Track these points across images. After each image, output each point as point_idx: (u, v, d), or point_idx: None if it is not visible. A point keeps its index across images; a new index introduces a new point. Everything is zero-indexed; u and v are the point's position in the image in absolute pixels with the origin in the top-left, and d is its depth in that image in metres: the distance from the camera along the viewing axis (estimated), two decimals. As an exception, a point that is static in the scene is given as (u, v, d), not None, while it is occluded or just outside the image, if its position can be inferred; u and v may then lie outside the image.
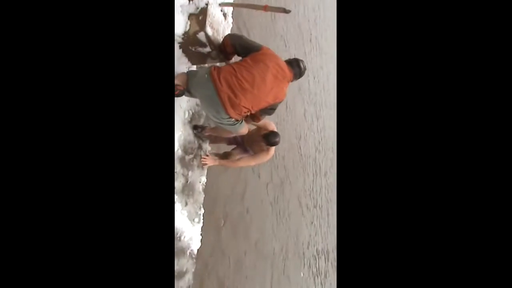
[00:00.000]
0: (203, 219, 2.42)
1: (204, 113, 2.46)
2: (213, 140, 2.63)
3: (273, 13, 3.80)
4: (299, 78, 2.15)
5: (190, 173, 2.33)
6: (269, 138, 2.28)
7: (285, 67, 1.98)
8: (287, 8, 1.92)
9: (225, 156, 2.62)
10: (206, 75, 1.86)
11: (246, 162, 2.51)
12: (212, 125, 2.31)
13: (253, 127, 2.40)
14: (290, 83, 2.11)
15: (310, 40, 6.21)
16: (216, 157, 2.51)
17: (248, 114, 1.98)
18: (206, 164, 2.41)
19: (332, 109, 7.64)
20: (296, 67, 2.06)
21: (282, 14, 2.29)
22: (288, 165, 4.80)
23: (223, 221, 3.08)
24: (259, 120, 2.13)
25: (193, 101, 2.41)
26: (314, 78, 6.46)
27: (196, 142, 2.44)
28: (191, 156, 2.38)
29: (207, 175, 2.50)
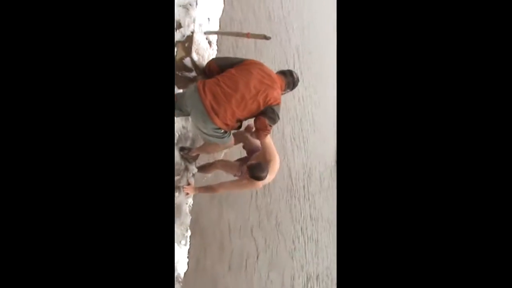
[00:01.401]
0: (189, 241, 2.40)
1: (190, 135, 2.51)
2: (207, 169, 2.58)
3: (256, 40, 3.98)
4: (293, 88, 2.20)
5: (176, 194, 2.35)
6: (253, 170, 2.04)
7: (272, 73, 2.04)
8: (267, 35, 2.06)
9: (205, 168, 2.59)
10: (194, 87, 1.95)
11: (227, 189, 2.37)
12: (201, 142, 2.27)
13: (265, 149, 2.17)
14: (285, 92, 2.17)
15: (294, 65, 6.44)
16: (197, 187, 2.45)
17: (238, 123, 1.99)
18: (188, 194, 2.39)
19: (320, 130, 7.82)
20: (289, 76, 2.12)
21: (264, 41, 2.43)
22: (275, 188, 4.83)
23: (210, 244, 3.04)
24: (260, 134, 2.00)
25: (179, 123, 2.47)
26: (299, 100, 6.65)
27: (182, 163, 2.47)
28: (177, 177, 2.40)
29: (194, 197, 2.51)
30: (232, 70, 1.99)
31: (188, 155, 2.42)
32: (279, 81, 2.07)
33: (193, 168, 2.56)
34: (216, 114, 1.87)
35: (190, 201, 2.47)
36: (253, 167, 2.05)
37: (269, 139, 2.17)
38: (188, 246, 2.37)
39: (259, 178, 2.07)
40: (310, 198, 6.36)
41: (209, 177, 2.73)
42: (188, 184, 2.44)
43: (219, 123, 1.89)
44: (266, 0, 5.47)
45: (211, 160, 2.70)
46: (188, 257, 2.35)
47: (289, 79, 2.13)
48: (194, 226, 2.55)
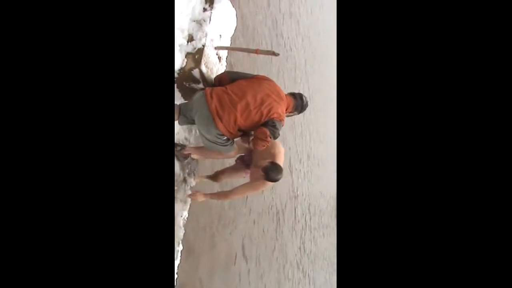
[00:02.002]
0: (180, 256, 2.29)
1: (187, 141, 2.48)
2: (217, 178, 2.54)
3: (265, 57, 4.06)
4: (301, 111, 2.20)
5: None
6: (269, 173, 2.02)
7: (281, 91, 2.06)
8: (276, 52, 2.10)
9: (216, 176, 2.55)
10: (201, 93, 1.98)
11: (240, 194, 2.33)
12: (204, 145, 2.20)
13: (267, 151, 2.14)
14: (292, 114, 2.17)
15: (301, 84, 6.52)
16: (207, 193, 2.40)
17: (241, 132, 1.98)
18: (195, 199, 2.32)
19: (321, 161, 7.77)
20: (298, 99, 2.13)
21: (273, 58, 2.47)
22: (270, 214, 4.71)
23: (203, 259, 2.91)
24: (258, 143, 1.97)
25: (181, 134, 2.46)
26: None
27: (181, 174, 2.43)
28: (175, 188, 2.35)
29: (189, 210, 2.44)
30: (242, 81, 2.03)
31: (180, 153, 2.36)
32: (287, 101, 2.09)
33: (191, 181, 2.51)
34: (220, 118, 1.88)
35: (185, 214, 2.40)
36: (269, 170, 2.03)
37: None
38: (178, 261, 2.27)
39: (276, 180, 2.07)
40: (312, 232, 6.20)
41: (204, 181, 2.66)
42: (193, 192, 2.35)
43: (222, 128, 1.89)
44: (277, 25, 5.67)
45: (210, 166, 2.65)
46: (177, 273, 2.24)
47: (298, 102, 2.14)
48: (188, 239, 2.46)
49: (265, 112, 1.92)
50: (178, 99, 2.40)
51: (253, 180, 2.20)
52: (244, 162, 2.42)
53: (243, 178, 2.46)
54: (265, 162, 2.05)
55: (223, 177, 2.58)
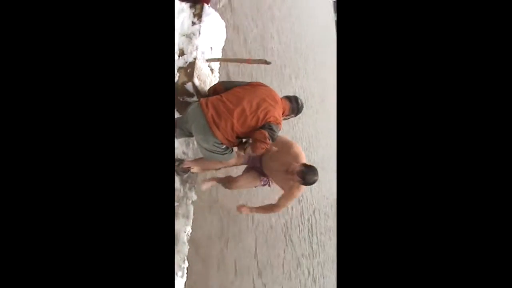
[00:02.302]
0: (187, 273, 2.25)
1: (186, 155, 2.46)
2: (230, 185, 2.49)
3: (258, 66, 4.07)
4: (297, 113, 2.20)
5: (174, 221, 2.25)
6: (306, 177, 1.93)
7: (276, 95, 2.06)
8: (268, 60, 2.10)
9: (227, 181, 2.49)
10: (196, 104, 1.99)
11: (283, 206, 2.30)
12: (203, 155, 2.20)
13: (277, 151, 2.06)
14: (289, 117, 2.18)
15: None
16: (253, 207, 2.42)
17: (238, 140, 1.97)
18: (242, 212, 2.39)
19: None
20: (293, 102, 2.13)
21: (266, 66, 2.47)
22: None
23: (212, 273, 2.86)
24: (257, 146, 1.91)
25: (179, 149, 2.44)
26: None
27: (182, 190, 2.40)
28: (176, 204, 2.32)
29: (192, 225, 2.41)
30: (236, 88, 2.04)
31: (179, 168, 2.34)
32: (283, 104, 2.09)
33: (192, 195, 2.49)
34: (217, 126, 1.88)
35: (189, 229, 2.37)
36: (306, 174, 1.96)
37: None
38: (185, 279, 2.23)
39: (314, 183, 2.00)
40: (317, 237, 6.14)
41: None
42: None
43: (219, 136, 1.88)
44: (265, 37, 5.70)
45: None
46: (185, 291, 2.19)
47: (294, 105, 2.14)
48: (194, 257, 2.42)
49: (261, 116, 1.92)
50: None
51: (289, 188, 2.15)
52: (257, 170, 2.38)
53: (258, 186, 2.44)
54: (298, 166, 1.99)
55: (237, 186, 2.52)
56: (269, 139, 1.88)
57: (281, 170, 2.11)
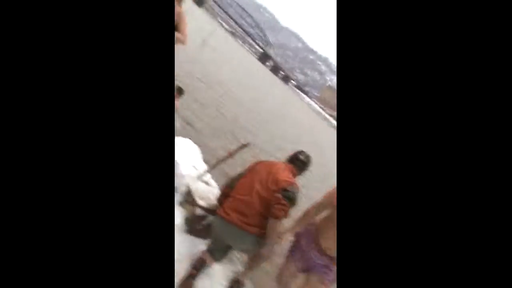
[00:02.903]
0: None
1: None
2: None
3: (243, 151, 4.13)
4: (306, 168, 2.17)
5: None
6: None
7: (277, 163, 2.08)
8: (244, 142, 2.16)
9: None
10: (216, 218, 1.97)
11: None
12: (253, 256, 2.08)
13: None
14: (301, 174, 2.15)
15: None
16: None
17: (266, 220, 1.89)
18: None
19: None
20: (297, 162, 2.12)
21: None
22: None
23: None
24: (275, 209, 1.82)
25: (228, 269, 2.33)
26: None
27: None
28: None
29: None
30: (241, 180, 2.07)
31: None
32: (289, 169, 2.08)
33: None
34: (248, 224, 1.86)
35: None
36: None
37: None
38: None
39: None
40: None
41: None
42: None
43: (255, 230, 1.86)
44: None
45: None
46: None
47: (299, 164, 2.13)
48: None
49: (272, 187, 1.90)
50: (202, 244, 2.33)
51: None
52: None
53: None
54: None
55: None
56: (284, 199, 1.82)
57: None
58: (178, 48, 2.07)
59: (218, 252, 2.05)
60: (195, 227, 2.31)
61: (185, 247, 2.17)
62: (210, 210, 2.30)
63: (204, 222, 2.33)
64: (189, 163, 2.65)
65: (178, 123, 4.88)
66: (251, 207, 1.89)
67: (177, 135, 2.87)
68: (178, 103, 5.04)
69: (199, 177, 2.53)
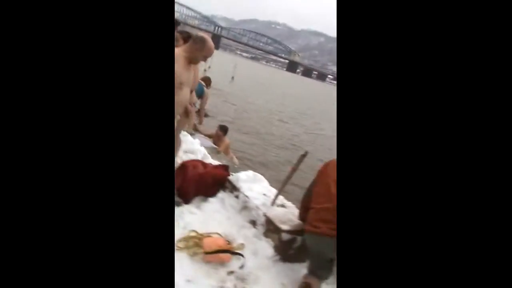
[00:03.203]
0: None
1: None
2: None
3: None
4: None
5: None
6: None
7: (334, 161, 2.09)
8: (303, 153, 2.07)
9: None
10: (308, 237, 1.97)
11: None
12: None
13: None
14: None
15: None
16: None
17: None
18: None
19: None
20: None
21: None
22: None
23: None
24: None
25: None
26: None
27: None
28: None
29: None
30: (315, 189, 2.05)
31: None
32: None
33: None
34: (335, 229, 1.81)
35: None
36: None
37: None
38: None
39: None
40: None
41: None
42: None
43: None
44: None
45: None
46: None
47: None
48: None
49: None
50: (303, 268, 2.21)
51: None
52: None
53: None
54: None
55: None
56: None
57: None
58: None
59: (321, 270, 1.96)
60: (287, 253, 2.22)
61: (286, 276, 2.09)
62: (296, 231, 2.22)
63: (294, 246, 2.23)
64: (258, 192, 2.63)
65: (235, 159, 4.99)
66: (335, 212, 1.82)
67: (237, 171, 2.92)
68: (227, 140, 5.19)
69: (273, 203, 2.48)
